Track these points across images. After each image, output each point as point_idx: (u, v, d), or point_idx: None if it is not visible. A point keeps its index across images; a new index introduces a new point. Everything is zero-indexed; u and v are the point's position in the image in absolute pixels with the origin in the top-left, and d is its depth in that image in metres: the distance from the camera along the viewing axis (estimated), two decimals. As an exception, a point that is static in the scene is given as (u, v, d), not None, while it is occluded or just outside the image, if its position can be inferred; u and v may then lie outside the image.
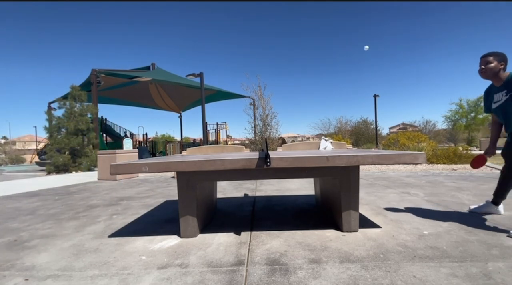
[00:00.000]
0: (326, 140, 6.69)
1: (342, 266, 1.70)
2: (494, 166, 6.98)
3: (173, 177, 7.01)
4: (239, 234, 2.37)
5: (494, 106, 2.48)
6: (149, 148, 17.86)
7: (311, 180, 5.14)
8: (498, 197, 2.67)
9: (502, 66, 2.32)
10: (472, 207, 2.90)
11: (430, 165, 7.99)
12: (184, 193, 2.29)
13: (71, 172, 9.54)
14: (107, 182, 6.46)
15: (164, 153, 17.26)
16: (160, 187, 5.30)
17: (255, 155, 2.32)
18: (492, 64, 2.32)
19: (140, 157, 11.33)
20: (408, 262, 1.73)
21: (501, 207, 2.72)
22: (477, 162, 2.75)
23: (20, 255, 2.05)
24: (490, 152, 2.73)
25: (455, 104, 24.00)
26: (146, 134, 19.95)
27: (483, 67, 2.37)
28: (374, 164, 2.04)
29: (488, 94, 2.55)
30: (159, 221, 2.87)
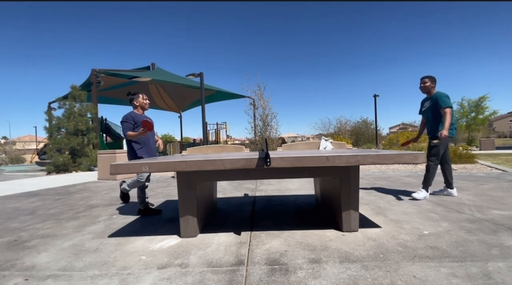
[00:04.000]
0: (326, 140, 6.69)
1: (342, 266, 1.70)
2: (494, 166, 6.99)
3: (173, 177, 7.01)
4: (239, 234, 2.37)
5: (423, 109, 3.73)
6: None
7: (311, 180, 5.13)
8: (446, 182, 3.67)
9: (433, 85, 3.58)
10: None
11: (430, 165, 7.98)
12: (184, 193, 2.29)
13: (71, 172, 9.54)
14: (107, 182, 6.46)
15: (164, 153, 17.27)
16: (160, 187, 5.30)
17: (255, 155, 2.32)
18: (427, 84, 3.57)
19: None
20: (408, 262, 1.73)
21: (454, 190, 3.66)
22: (405, 144, 4.14)
23: (20, 255, 2.05)
24: (414, 141, 4.05)
25: (457, 103, 23.97)
26: (146, 134, 19.91)
27: (422, 85, 3.62)
28: (374, 164, 2.04)
29: (423, 102, 3.76)
30: (159, 221, 2.87)
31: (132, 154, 3.06)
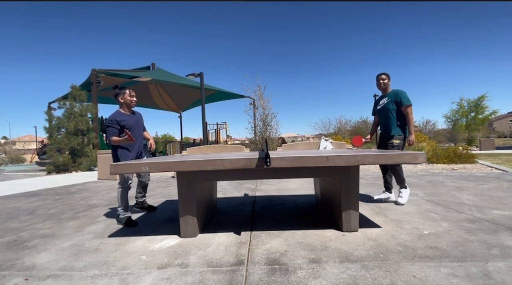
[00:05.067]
0: (326, 140, 6.70)
1: (342, 266, 1.70)
2: (494, 166, 6.98)
3: (173, 177, 7.01)
4: (239, 234, 2.37)
5: (378, 107, 3.49)
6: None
7: (311, 180, 5.13)
8: (388, 184, 3.49)
9: (390, 82, 3.43)
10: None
11: (430, 165, 7.99)
12: (184, 193, 2.29)
13: (71, 172, 9.53)
14: (107, 182, 6.46)
15: (164, 153, 17.25)
16: (160, 187, 5.30)
17: (255, 155, 2.32)
18: (386, 81, 3.40)
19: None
20: (408, 262, 1.73)
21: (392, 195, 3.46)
22: (356, 141, 3.57)
23: (20, 255, 2.05)
24: (367, 139, 3.66)
25: (456, 103, 23.98)
26: (146, 134, 19.85)
27: (381, 82, 3.41)
28: (374, 164, 2.04)
29: (377, 101, 3.55)
30: (159, 221, 2.87)
31: (115, 158, 2.86)
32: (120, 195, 2.80)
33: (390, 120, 3.33)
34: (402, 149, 3.26)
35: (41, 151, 14.98)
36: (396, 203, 3.30)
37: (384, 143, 3.43)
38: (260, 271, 1.67)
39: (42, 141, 19.23)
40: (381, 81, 3.40)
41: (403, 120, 3.29)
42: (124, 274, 1.69)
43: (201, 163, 2.02)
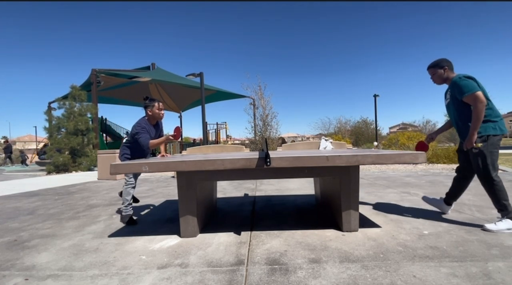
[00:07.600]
0: (326, 140, 6.70)
1: (342, 265, 1.70)
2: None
3: (173, 177, 7.01)
4: (239, 233, 2.37)
5: (445, 102, 2.65)
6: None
7: (311, 180, 5.13)
8: (451, 197, 2.78)
9: (445, 69, 2.52)
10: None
11: (430, 165, 7.98)
12: (184, 193, 2.29)
13: (71, 172, 9.53)
14: (107, 182, 6.46)
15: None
16: (160, 187, 5.30)
17: (255, 155, 2.32)
18: (437, 73, 2.55)
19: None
20: (408, 262, 1.73)
21: (450, 209, 2.81)
22: (420, 147, 2.86)
23: (20, 255, 2.05)
24: (429, 138, 2.89)
25: None
26: (146, 134, 19.81)
27: (431, 77, 2.63)
28: (374, 164, 2.04)
29: (445, 93, 2.67)
30: (159, 221, 2.87)
31: (125, 158, 2.89)
32: (123, 192, 2.84)
33: (460, 120, 2.47)
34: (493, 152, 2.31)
35: (42, 151, 14.99)
36: (482, 227, 2.32)
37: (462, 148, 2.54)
38: (260, 271, 1.67)
39: (6, 141, 19.26)
40: (430, 77, 2.63)
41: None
42: (124, 274, 1.69)
43: (201, 163, 2.02)
